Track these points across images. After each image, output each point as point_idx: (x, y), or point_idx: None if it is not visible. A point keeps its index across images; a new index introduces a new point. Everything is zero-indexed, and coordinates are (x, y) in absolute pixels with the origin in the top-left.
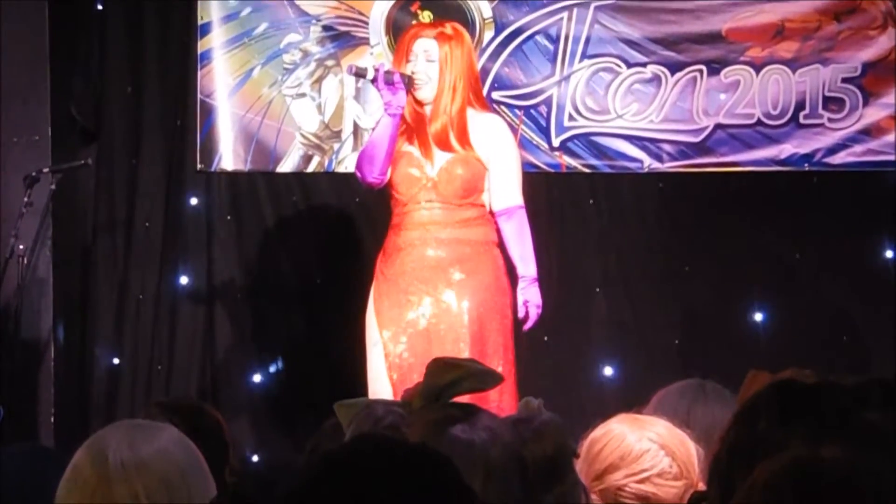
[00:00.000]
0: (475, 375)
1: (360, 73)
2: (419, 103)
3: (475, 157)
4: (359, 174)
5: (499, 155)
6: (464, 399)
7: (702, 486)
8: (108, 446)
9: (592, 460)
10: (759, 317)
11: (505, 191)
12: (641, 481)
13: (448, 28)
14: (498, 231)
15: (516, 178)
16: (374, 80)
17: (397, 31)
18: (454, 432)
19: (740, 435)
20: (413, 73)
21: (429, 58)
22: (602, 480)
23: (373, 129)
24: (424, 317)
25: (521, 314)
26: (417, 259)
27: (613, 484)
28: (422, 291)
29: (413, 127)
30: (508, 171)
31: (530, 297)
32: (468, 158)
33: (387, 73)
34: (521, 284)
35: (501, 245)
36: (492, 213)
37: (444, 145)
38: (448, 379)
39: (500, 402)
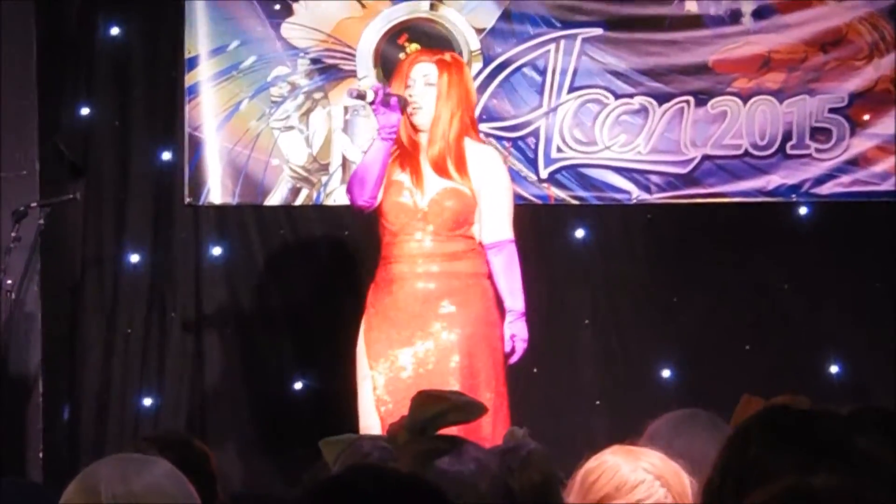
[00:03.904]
0: (460, 408)
1: (361, 96)
2: (415, 129)
3: (467, 189)
4: (349, 196)
5: (491, 187)
6: (455, 431)
7: None
8: (100, 480)
9: (587, 492)
10: (748, 347)
11: (496, 224)
12: None
13: (447, 56)
14: (487, 263)
15: (508, 212)
16: (372, 103)
17: (385, 63)
18: (441, 465)
19: (732, 459)
20: (410, 96)
21: (427, 81)
22: None
23: (365, 152)
24: (414, 350)
25: (507, 348)
26: (407, 292)
27: None
28: (412, 324)
29: (408, 152)
30: (500, 204)
31: (517, 332)
32: (459, 191)
33: (386, 94)
34: (508, 318)
35: (491, 277)
36: (481, 245)
37: (442, 171)
38: (432, 412)
39: (494, 435)
